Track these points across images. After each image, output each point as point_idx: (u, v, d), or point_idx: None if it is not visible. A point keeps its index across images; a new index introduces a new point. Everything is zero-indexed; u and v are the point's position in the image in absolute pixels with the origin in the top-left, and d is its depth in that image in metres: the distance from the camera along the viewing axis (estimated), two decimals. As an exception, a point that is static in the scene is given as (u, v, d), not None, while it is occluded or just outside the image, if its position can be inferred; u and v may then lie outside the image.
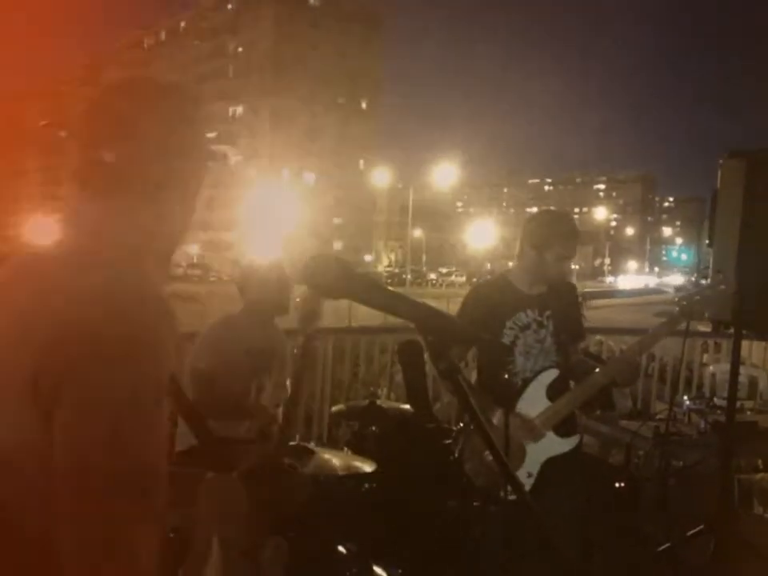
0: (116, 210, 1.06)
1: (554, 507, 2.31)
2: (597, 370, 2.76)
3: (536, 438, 2.67)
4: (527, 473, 2.66)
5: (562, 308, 2.86)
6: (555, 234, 2.74)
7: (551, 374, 2.75)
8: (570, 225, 2.85)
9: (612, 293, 53.02)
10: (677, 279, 71.27)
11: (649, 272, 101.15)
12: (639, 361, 3.03)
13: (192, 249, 66.34)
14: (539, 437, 2.67)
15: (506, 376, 2.65)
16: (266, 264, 3.26)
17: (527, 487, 2.65)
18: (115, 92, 1.11)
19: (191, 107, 1.14)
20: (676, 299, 2.83)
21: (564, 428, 2.73)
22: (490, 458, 2.49)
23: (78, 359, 0.91)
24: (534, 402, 2.72)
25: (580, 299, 3.25)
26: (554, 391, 2.74)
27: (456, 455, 2.75)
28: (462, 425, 2.88)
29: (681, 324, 2.79)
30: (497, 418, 2.58)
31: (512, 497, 2.63)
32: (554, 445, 2.71)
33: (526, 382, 2.75)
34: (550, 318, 2.81)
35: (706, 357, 6.13)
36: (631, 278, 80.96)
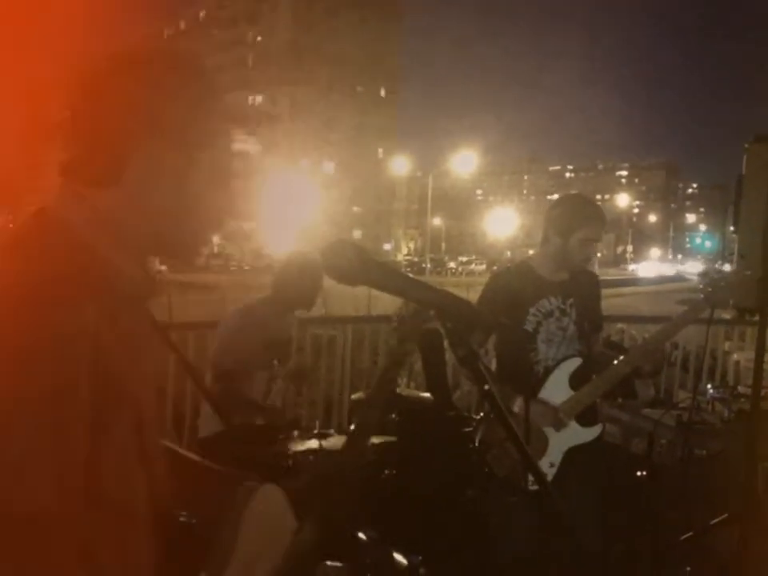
0: (73, 196, 0.95)
1: (576, 497, 2.30)
2: (620, 358, 2.72)
3: (559, 426, 2.65)
4: (549, 462, 2.64)
5: (585, 296, 2.83)
6: (580, 218, 2.70)
7: (574, 363, 2.72)
8: (595, 208, 2.81)
9: (633, 281, 52.48)
10: (696, 266, 70.60)
11: (672, 259, 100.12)
12: (663, 348, 3.00)
13: (213, 238, 66.57)
14: (562, 426, 2.65)
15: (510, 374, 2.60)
16: (303, 258, 3.25)
17: (549, 477, 2.63)
18: (97, 67, 0.99)
19: (185, 80, 0.98)
20: (701, 286, 2.77)
21: (587, 417, 2.71)
22: (508, 446, 2.49)
23: None
24: (556, 391, 2.70)
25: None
26: (577, 380, 2.71)
27: (477, 443, 2.74)
28: (482, 413, 2.86)
29: (705, 311, 2.74)
30: (518, 406, 2.56)
31: (534, 487, 2.63)
32: (577, 434, 2.68)
33: (548, 371, 2.73)
34: (573, 305, 2.78)
35: (728, 345, 6.05)
36: (651, 265, 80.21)
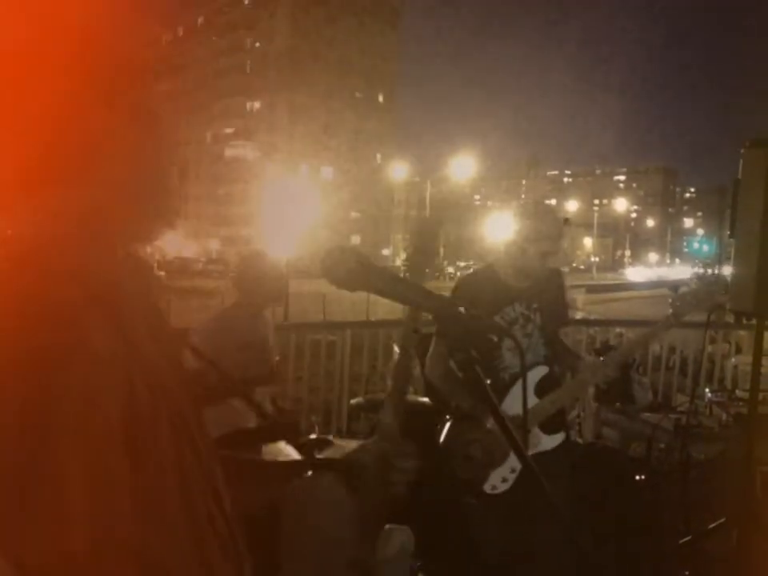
0: (26, 209, 0.81)
1: (537, 503, 2.29)
2: (588, 367, 2.72)
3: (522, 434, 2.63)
4: (510, 468, 2.62)
5: (549, 298, 2.80)
6: (537, 230, 2.64)
7: (540, 371, 2.70)
8: (552, 221, 2.73)
9: (632, 285, 52.49)
10: (684, 271, 70.97)
11: (670, 263, 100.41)
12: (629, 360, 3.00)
13: (212, 244, 66.85)
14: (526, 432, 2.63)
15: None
16: (258, 256, 3.31)
17: (510, 483, 2.62)
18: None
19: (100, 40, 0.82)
20: (669, 300, 2.77)
21: (550, 425, 2.69)
22: (473, 450, 2.50)
23: None
24: (521, 399, 2.69)
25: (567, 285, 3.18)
26: (543, 388, 2.68)
27: (440, 445, 2.70)
28: (447, 416, 2.81)
29: (673, 323, 2.74)
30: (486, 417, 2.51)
31: (494, 491, 2.66)
32: (539, 441, 2.67)
33: (514, 378, 2.70)
34: (537, 310, 2.75)
35: (711, 347, 6.02)
36: (644, 270, 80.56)
